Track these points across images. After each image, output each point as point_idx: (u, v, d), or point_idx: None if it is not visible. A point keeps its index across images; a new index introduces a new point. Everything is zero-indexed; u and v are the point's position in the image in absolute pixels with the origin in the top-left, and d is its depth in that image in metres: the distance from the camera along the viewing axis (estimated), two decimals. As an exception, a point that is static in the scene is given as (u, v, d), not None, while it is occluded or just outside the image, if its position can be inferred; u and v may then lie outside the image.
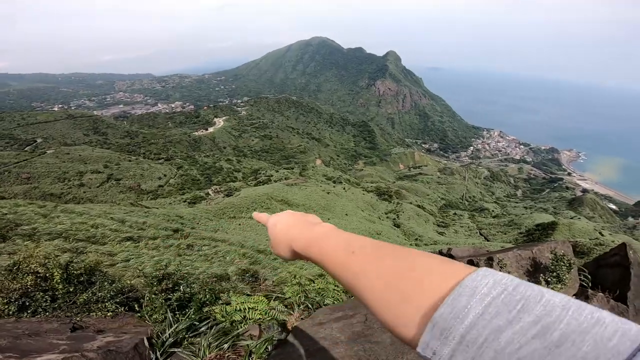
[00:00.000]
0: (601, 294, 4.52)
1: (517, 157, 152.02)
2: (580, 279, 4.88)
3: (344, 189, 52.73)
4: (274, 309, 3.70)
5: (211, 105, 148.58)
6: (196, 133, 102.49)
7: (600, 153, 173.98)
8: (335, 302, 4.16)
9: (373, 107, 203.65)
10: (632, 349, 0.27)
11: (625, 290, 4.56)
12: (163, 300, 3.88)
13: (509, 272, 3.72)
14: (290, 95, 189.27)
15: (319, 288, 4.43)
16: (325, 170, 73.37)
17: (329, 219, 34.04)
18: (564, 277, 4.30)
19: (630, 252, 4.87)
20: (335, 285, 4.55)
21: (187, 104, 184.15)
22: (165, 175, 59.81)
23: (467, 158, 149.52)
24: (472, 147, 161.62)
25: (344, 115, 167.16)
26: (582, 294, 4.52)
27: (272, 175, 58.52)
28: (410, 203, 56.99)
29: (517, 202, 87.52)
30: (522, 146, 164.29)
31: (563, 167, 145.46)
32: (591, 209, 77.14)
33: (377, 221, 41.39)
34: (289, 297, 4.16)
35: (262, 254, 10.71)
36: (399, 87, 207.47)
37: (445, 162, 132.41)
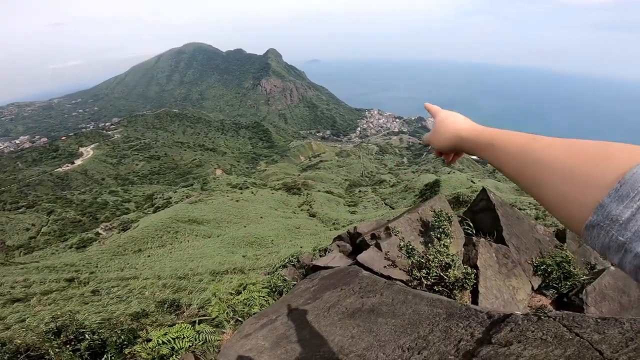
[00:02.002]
0: (483, 239, 4.75)
1: (396, 129, 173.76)
2: (464, 228, 5.14)
3: (252, 193, 51.94)
4: (202, 332, 3.61)
5: (71, 134, 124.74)
6: (60, 169, 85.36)
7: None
8: (262, 308, 4.23)
9: (263, 106, 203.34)
10: None
11: (500, 231, 4.86)
12: (71, 352, 3.59)
13: (403, 238, 4.37)
14: (171, 108, 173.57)
15: (245, 299, 4.46)
16: (228, 178, 70.65)
17: (245, 226, 33.31)
18: (449, 230, 4.44)
19: (491, 194, 5.21)
20: (259, 292, 4.66)
21: (38, 136, 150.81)
22: (34, 225, 49.23)
23: (357, 138, 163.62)
24: (359, 128, 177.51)
25: (235, 119, 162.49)
26: (469, 243, 4.70)
27: (170, 197, 53.44)
28: (319, 191, 59.80)
29: (406, 169, 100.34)
30: (397, 120, 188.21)
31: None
32: (460, 162, 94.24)
33: (293, 216, 42.32)
34: (216, 317, 4.09)
35: (184, 280, 10.00)
36: (284, 83, 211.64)
37: (340, 145, 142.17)
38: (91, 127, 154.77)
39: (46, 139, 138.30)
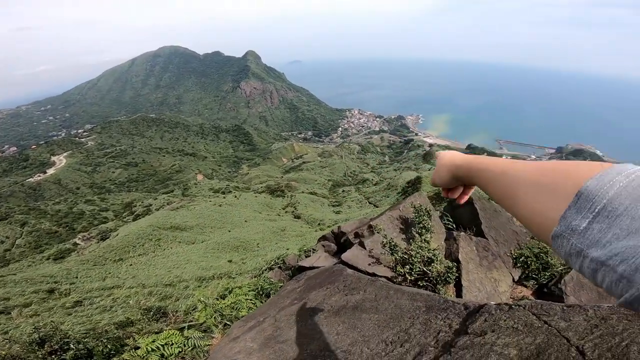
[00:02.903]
0: (463, 232, 4.92)
1: (377, 128, 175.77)
2: (445, 223, 5.33)
3: (236, 197, 51.30)
4: (191, 338, 3.61)
5: (42, 143, 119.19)
6: (32, 179, 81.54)
7: (433, 113, 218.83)
8: (250, 311, 4.25)
9: (243, 109, 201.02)
10: None
11: (479, 225, 5.06)
12: None
13: (385, 235, 4.45)
14: (147, 113, 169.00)
15: (232, 303, 4.47)
16: (210, 183, 69.43)
17: (229, 231, 32.89)
18: (429, 226, 4.59)
19: (470, 188, 5.80)
20: (246, 296, 4.66)
21: (6, 146, 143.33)
22: (8, 238, 47.12)
23: (339, 138, 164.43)
24: (340, 128, 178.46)
25: (214, 123, 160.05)
26: (450, 237, 4.82)
27: (151, 205, 52.04)
28: (303, 192, 59.73)
29: (387, 167, 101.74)
30: (378, 119, 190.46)
31: (410, 129, 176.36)
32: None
33: (278, 218, 42.11)
34: (204, 322, 4.08)
35: (169, 287, 9.80)
36: (264, 85, 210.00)
37: (322, 146, 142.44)
38: (63, 135, 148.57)
39: (15, 148, 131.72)
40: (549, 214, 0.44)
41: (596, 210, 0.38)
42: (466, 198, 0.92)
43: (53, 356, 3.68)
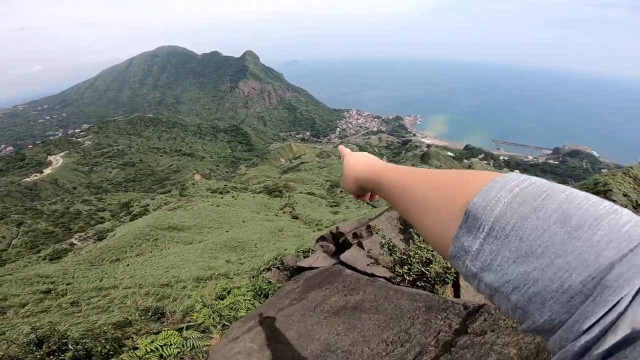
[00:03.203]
0: None
1: (375, 129, 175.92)
2: None
3: (233, 197, 51.20)
4: (190, 338, 3.58)
5: (38, 142, 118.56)
6: (28, 179, 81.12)
7: (431, 113, 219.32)
8: (249, 311, 4.24)
9: (241, 109, 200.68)
10: None
11: None
12: None
13: (384, 235, 4.48)
14: (145, 113, 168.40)
15: (230, 303, 4.45)
16: (207, 183, 69.30)
17: (227, 231, 32.86)
18: None
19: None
20: (244, 296, 4.64)
21: (3, 145, 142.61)
22: (4, 237, 46.97)
23: (337, 139, 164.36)
24: (338, 129, 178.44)
25: (212, 123, 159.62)
26: None
27: (148, 205, 51.89)
28: (301, 193, 59.71)
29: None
30: (376, 119, 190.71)
31: (408, 130, 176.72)
32: (437, 159, 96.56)
33: (276, 219, 42.05)
34: (202, 322, 4.06)
35: (167, 287, 9.78)
36: (262, 85, 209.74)
37: (320, 146, 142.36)
38: (60, 135, 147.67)
39: (12, 148, 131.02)
40: (444, 232, 0.41)
41: (485, 230, 0.35)
42: (377, 197, 0.87)
43: (51, 357, 3.67)
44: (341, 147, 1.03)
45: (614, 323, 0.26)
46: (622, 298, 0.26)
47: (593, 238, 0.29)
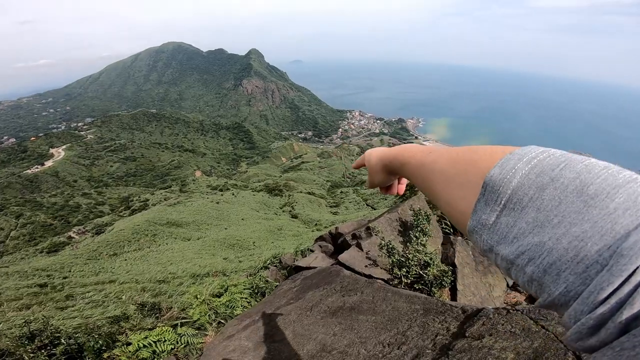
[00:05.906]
0: (460, 237, 4.94)
1: (377, 130, 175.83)
2: (442, 227, 5.24)
3: (233, 194, 51.22)
4: (184, 335, 3.57)
5: (41, 135, 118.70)
6: (29, 171, 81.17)
7: (433, 116, 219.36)
8: (245, 309, 4.22)
9: (244, 107, 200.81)
10: None
11: None
12: (47, 357, 3.54)
13: (383, 237, 4.48)
14: (148, 108, 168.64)
15: (227, 301, 4.44)
16: (208, 180, 69.30)
17: (226, 228, 32.84)
18: (427, 229, 4.53)
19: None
20: (241, 294, 4.60)
21: (5, 137, 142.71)
22: (2, 229, 46.97)
23: (338, 140, 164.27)
24: (340, 129, 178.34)
25: (215, 120, 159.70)
26: (447, 241, 4.78)
27: (148, 200, 51.90)
28: (301, 192, 59.67)
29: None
30: (378, 121, 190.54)
31: (410, 132, 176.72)
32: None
33: (275, 217, 42.01)
34: (198, 319, 4.04)
35: (163, 283, 9.75)
36: (265, 83, 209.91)
37: (322, 146, 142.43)
38: (63, 128, 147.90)
39: (14, 140, 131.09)
40: (462, 207, 0.42)
41: (502, 202, 0.35)
42: (403, 187, 0.89)
43: (43, 351, 3.64)
44: (355, 162, 1.01)
45: (630, 295, 0.25)
46: (638, 267, 0.25)
47: (610, 206, 0.28)
